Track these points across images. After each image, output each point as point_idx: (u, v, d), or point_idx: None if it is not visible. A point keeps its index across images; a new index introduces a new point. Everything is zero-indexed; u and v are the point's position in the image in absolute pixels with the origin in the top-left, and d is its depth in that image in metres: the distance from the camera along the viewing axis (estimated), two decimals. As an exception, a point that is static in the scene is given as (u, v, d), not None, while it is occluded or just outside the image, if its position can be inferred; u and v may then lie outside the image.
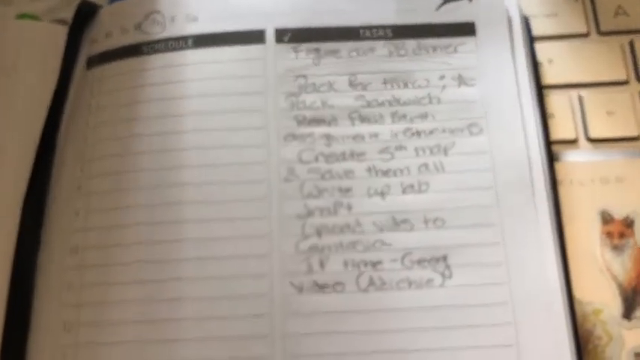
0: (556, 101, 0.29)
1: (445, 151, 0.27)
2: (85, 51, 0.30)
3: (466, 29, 0.28)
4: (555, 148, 0.28)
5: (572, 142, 0.28)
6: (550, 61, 0.29)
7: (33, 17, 0.33)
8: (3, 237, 0.27)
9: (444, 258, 0.25)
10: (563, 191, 0.27)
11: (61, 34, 0.30)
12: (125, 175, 0.27)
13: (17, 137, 0.28)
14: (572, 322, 0.24)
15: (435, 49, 0.28)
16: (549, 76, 0.29)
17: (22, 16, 0.33)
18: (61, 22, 0.32)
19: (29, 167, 0.28)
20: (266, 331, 0.24)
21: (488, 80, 0.28)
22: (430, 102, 0.27)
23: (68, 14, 0.32)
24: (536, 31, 0.30)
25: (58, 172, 0.28)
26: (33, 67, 0.30)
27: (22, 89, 0.29)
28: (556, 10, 0.30)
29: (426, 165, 0.26)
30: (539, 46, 0.29)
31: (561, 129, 0.28)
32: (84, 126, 0.28)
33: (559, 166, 0.27)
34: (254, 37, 0.28)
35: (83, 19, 0.30)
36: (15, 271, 0.26)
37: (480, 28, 0.28)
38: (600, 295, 0.25)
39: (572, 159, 0.28)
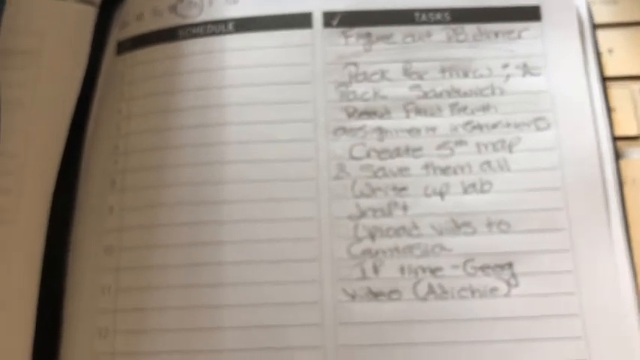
0: (616, 94, 0.26)
1: (509, 148, 0.24)
2: (115, 35, 0.28)
3: (530, 13, 0.26)
4: (617, 145, 0.25)
5: (634, 139, 0.26)
6: (610, 50, 0.27)
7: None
8: (30, 237, 0.25)
9: (510, 265, 0.23)
10: (625, 192, 0.25)
11: (90, 15, 0.28)
12: (163, 170, 0.25)
13: (44, 127, 0.27)
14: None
15: (497, 34, 0.26)
16: (609, 68, 0.27)
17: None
18: (87, 1, 0.30)
19: (58, 159, 0.26)
20: (317, 342, 0.23)
21: (556, 69, 0.25)
22: (493, 93, 0.25)
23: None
24: (595, 18, 0.27)
25: (88, 165, 0.26)
26: (60, 50, 0.28)
27: (48, 74, 0.27)
28: (616, -3, 0.28)
29: (488, 162, 0.24)
30: (598, 35, 0.27)
31: (623, 125, 0.26)
32: (116, 115, 0.26)
33: (621, 165, 0.25)
34: (300, 20, 0.26)
35: (113, 0, 0.28)
36: (44, 273, 0.25)
37: (545, 13, 0.26)
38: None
39: (634, 157, 0.26)
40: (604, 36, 0.27)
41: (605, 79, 0.26)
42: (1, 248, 0.25)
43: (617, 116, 0.26)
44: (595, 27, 0.27)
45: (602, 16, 0.27)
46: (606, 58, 0.27)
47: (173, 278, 0.23)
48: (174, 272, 0.24)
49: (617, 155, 0.25)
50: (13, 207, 0.25)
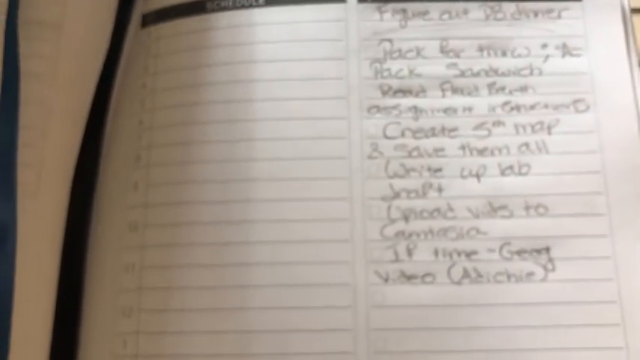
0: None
1: (548, 129, 0.24)
2: (139, 7, 0.27)
3: (571, -8, 0.25)
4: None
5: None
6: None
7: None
8: (51, 211, 0.24)
9: (547, 249, 0.23)
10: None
11: (113, -14, 0.27)
12: (189, 146, 0.24)
13: (66, 100, 0.26)
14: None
15: (536, 13, 0.25)
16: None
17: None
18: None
19: (80, 133, 0.25)
20: (349, 325, 0.22)
21: (597, 51, 0.25)
22: (531, 73, 0.24)
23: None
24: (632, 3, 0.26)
25: (111, 140, 0.25)
26: (82, 22, 0.27)
27: (70, 46, 0.27)
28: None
29: (527, 144, 0.24)
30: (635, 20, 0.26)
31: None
32: (140, 90, 0.25)
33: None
34: None
35: (138, -29, 0.27)
36: (65, 249, 0.24)
37: (587, -8, 0.25)
38: None
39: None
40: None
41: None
42: (22, 222, 0.24)
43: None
44: (632, 12, 0.26)
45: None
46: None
47: (200, 257, 0.23)
48: (201, 251, 0.23)
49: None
50: (34, 180, 0.25)
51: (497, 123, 0.24)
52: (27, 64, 0.26)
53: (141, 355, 0.22)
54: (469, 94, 0.24)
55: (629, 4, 0.26)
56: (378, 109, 0.24)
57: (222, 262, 0.23)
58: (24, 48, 0.26)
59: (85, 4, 0.27)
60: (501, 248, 0.23)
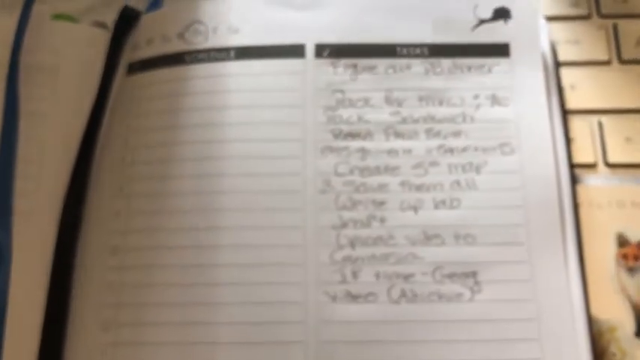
0: (577, 126, 0.29)
1: (477, 169, 0.27)
2: (126, 56, 0.31)
3: (501, 50, 0.29)
4: (575, 171, 0.28)
5: (591, 166, 0.29)
6: (572, 86, 0.30)
7: (70, 18, 0.34)
8: (43, 235, 0.27)
9: (474, 274, 0.26)
10: (581, 213, 0.27)
11: (103, 38, 0.31)
12: (166, 180, 0.27)
13: (59, 137, 0.29)
14: (590, 339, 0.25)
15: (469, 68, 0.29)
16: (571, 101, 0.30)
17: (58, 16, 0.34)
18: (100, 24, 0.33)
19: (70, 166, 0.29)
20: (300, 338, 0.25)
21: (522, 101, 0.28)
22: (464, 120, 0.28)
23: (106, 16, 0.33)
24: (560, 57, 0.30)
25: (98, 173, 0.29)
26: (75, 69, 0.30)
27: (64, 90, 0.30)
28: (579, 38, 0.31)
29: (458, 182, 0.27)
30: (561, 72, 0.30)
31: (581, 153, 0.29)
32: (125, 130, 0.29)
33: (578, 189, 0.28)
34: (294, 51, 0.29)
35: (125, 25, 0.31)
36: (54, 269, 0.27)
37: (514, 49, 0.29)
38: (615, 314, 0.26)
39: (590, 182, 0.28)
40: (567, 73, 0.30)
41: (566, 112, 0.29)
42: (18, 244, 0.27)
43: (576, 145, 0.29)
44: (559, 65, 0.30)
45: (566, 54, 0.30)
46: (568, 93, 0.30)
47: (172, 277, 0.26)
48: (174, 271, 0.26)
49: (575, 180, 0.28)
50: (30, 208, 0.28)
51: (433, 163, 0.27)
52: (27, 105, 0.29)
53: None
54: (409, 138, 0.28)
55: (556, 59, 0.30)
56: (331, 149, 0.28)
57: (191, 282, 0.26)
58: (25, 91, 0.30)
59: (79, 52, 0.31)
60: (434, 272, 0.26)
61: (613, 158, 0.29)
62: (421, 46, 0.29)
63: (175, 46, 0.30)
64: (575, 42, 0.31)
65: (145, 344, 0.25)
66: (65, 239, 0.27)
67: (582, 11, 0.32)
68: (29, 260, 0.27)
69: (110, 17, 0.32)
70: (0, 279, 0.27)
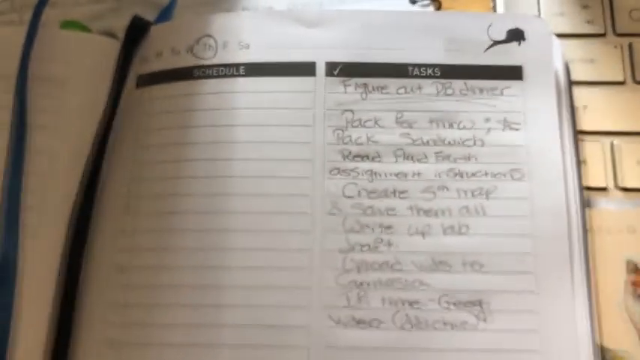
0: (589, 148, 0.29)
1: (487, 195, 0.27)
2: (135, 68, 0.31)
3: (513, 72, 0.29)
4: (586, 194, 0.28)
5: (603, 190, 0.28)
6: (585, 107, 0.30)
7: (80, 27, 0.33)
8: (50, 250, 0.27)
9: (480, 302, 0.26)
10: (592, 238, 0.27)
11: (113, 48, 0.31)
12: (173, 198, 0.27)
13: (67, 151, 0.29)
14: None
15: (481, 90, 0.28)
16: (583, 122, 0.29)
17: (67, 23, 0.33)
18: (108, 33, 0.33)
19: (78, 181, 0.28)
20: (304, 362, 0.25)
21: (533, 125, 0.28)
22: (474, 144, 0.28)
23: (114, 23, 0.33)
24: (573, 75, 0.30)
25: (105, 189, 0.29)
26: (84, 80, 0.30)
27: (73, 102, 0.30)
28: (594, 57, 0.30)
29: (467, 207, 0.27)
30: (574, 91, 0.29)
31: (592, 176, 0.28)
32: (133, 144, 0.29)
33: (589, 213, 0.28)
34: (305, 69, 0.29)
35: (135, 35, 0.31)
36: (60, 284, 0.27)
37: (527, 72, 0.29)
38: (623, 343, 0.26)
39: (601, 207, 0.28)
40: (580, 92, 0.30)
41: (578, 133, 0.29)
42: (25, 258, 0.27)
43: (588, 168, 0.29)
44: (572, 84, 0.29)
45: (580, 74, 0.30)
46: (581, 113, 0.29)
47: (178, 298, 0.26)
48: (180, 292, 0.26)
49: (585, 204, 0.28)
50: (36, 223, 0.28)
51: (442, 187, 0.27)
52: (35, 117, 0.29)
53: None
54: (419, 160, 0.28)
55: (569, 79, 0.29)
56: (339, 170, 0.27)
57: (196, 303, 0.26)
58: (33, 103, 0.30)
59: (87, 64, 0.31)
60: (440, 299, 0.26)
61: (625, 182, 0.28)
62: (433, 66, 0.29)
63: (184, 61, 0.29)
64: (590, 61, 0.30)
65: None
66: (72, 255, 0.27)
67: (597, 29, 0.31)
68: (36, 275, 0.27)
69: (118, 25, 0.32)
70: (6, 293, 0.27)
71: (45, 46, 0.31)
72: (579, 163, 0.28)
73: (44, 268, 0.27)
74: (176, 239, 0.27)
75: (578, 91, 0.30)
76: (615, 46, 0.31)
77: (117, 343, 0.26)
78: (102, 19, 0.34)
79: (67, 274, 0.27)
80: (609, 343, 0.26)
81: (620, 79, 0.30)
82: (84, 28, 0.33)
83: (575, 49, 0.31)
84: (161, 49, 0.30)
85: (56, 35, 0.31)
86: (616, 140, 0.29)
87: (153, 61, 0.30)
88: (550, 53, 0.29)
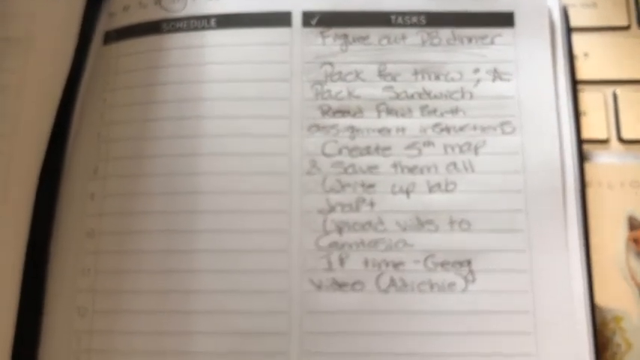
0: (589, 98, 0.27)
1: (475, 150, 0.25)
2: (103, 25, 0.29)
3: (504, 19, 0.27)
4: (585, 147, 0.26)
5: (603, 142, 0.27)
6: (585, 54, 0.28)
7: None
8: (17, 217, 0.26)
9: (468, 262, 0.24)
10: (590, 193, 0.26)
11: (78, 4, 0.29)
12: (142, 160, 0.26)
13: (32, 112, 0.28)
14: (593, 329, 0.24)
15: (470, 39, 0.27)
16: (583, 71, 0.28)
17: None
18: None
19: (44, 144, 0.27)
20: (283, 328, 0.24)
21: (525, 76, 0.26)
22: (462, 97, 0.26)
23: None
24: (573, 21, 0.28)
25: (73, 152, 0.27)
26: (49, 38, 0.29)
27: (37, 62, 0.28)
28: (595, 0, 0.29)
29: (454, 163, 0.25)
30: (574, 38, 0.28)
31: (592, 128, 0.27)
32: (100, 104, 0.27)
33: (588, 167, 0.26)
34: (280, 19, 0.27)
35: (101, -10, 0.29)
36: (29, 253, 0.26)
37: (519, 19, 0.27)
38: (622, 303, 0.25)
39: (601, 160, 0.27)
40: (581, 39, 0.28)
41: (577, 83, 0.27)
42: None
43: (588, 120, 0.27)
44: (571, 30, 0.28)
45: (580, 19, 0.28)
46: (581, 62, 0.28)
47: (149, 263, 0.25)
48: (150, 257, 0.25)
49: (583, 158, 0.26)
50: (2, 187, 0.27)
51: (428, 143, 0.26)
52: (-1, 78, 0.28)
53: (93, 350, 0.24)
54: (403, 115, 0.26)
55: (567, 25, 0.27)
56: (318, 128, 0.26)
57: (168, 268, 0.25)
58: (-5, 62, 0.28)
59: (51, 21, 0.29)
60: (426, 260, 0.24)
61: (628, 134, 0.27)
62: (418, 14, 0.27)
63: (152, 14, 0.27)
64: (592, 5, 0.29)
65: (119, 332, 0.24)
66: (40, 221, 0.26)
67: (600, -29, 0.29)
68: (2, 242, 0.26)
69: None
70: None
71: (6, 4, 0.29)
72: (577, 114, 0.26)
73: (11, 234, 0.26)
74: (145, 202, 0.25)
75: (578, 38, 0.28)
76: (618, -11, 0.29)
77: (87, 310, 0.25)
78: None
79: (36, 240, 0.26)
80: (607, 303, 0.25)
81: (624, 23, 0.28)
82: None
83: (575, -8, 0.29)
84: (128, 3, 0.28)
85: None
86: (619, 89, 0.27)
87: (120, 15, 0.28)
88: (543, -3, 0.27)
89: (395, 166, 0.25)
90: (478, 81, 0.26)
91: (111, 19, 0.29)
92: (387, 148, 0.26)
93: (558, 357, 0.23)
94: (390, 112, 0.26)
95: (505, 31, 0.27)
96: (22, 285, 0.25)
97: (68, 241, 0.26)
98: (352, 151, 0.26)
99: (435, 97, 0.26)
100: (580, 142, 0.26)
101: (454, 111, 0.26)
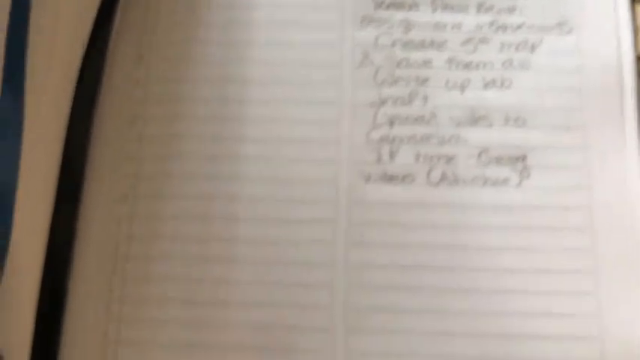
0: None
1: (532, 49, 0.25)
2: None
3: None
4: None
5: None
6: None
7: None
8: (57, 108, 0.25)
9: (523, 158, 0.24)
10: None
11: None
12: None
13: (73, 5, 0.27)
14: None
15: None
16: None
17: None
18: None
19: (86, 37, 0.26)
20: (330, 216, 0.23)
21: (585, -24, 0.25)
22: (519, -5, 0.25)
23: None
24: None
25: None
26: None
27: None
28: None
29: (510, 61, 0.25)
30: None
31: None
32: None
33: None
34: None
35: None
36: (68, 142, 0.25)
37: None
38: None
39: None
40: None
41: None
42: (30, 115, 0.25)
43: (640, 37, 0.26)
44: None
45: None
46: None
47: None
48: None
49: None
50: (43, 80, 0.26)
51: (484, 40, 0.25)
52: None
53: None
54: (459, 11, 0.25)
55: None
56: (371, 20, 0.25)
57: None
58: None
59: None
60: (480, 155, 0.24)
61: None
62: None
63: None
64: None
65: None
66: (79, 113, 0.25)
67: None
68: (41, 134, 0.25)
69: None
70: (11, 150, 0.25)
71: None
72: (635, 28, 0.25)
73: (50, 127, 0.25)
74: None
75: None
76: None
77: (131, 198, 0.24)
78: None
79: (76, 132, 0.25)
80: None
81: None
82: None
83: None
84: None
85: None
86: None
87: None
88: None
89: (450, 61, 0.25)
90: (536, -20, 0.26)
91: None
92: (442, 43, 0.25)
93: (614, 251, 0.23)
94: (445, 7, 0.25)
95: None
96: (60, 172, 0.24)
97: (111, 127, 0.25)
98: (406, 44, 0.25)
99: (492, -6, 0.25)
100: (635, 45, 0.25)
101: (511, 9, 0.25)
